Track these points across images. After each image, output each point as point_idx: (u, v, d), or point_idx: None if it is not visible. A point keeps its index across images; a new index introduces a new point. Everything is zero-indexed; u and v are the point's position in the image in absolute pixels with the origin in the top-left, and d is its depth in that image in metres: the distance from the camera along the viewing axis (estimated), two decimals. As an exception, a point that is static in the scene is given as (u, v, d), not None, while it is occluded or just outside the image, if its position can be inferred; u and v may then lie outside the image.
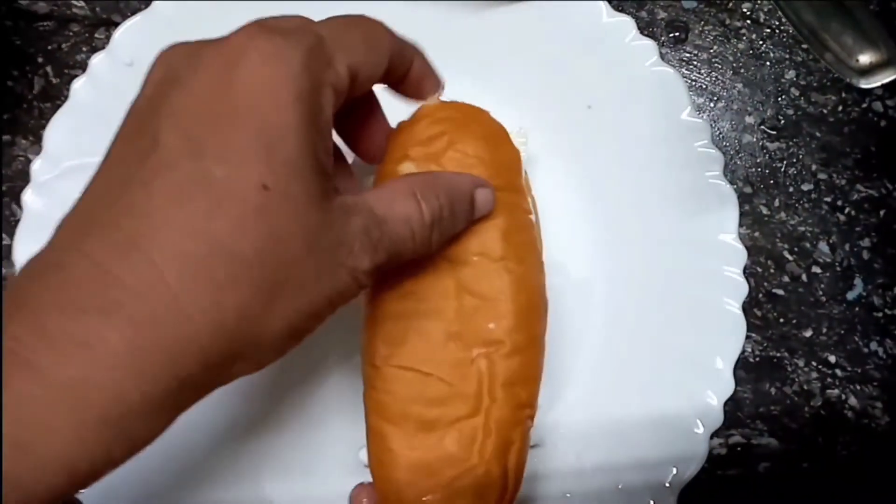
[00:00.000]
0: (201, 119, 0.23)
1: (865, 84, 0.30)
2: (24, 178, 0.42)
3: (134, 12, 0.44)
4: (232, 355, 0.23)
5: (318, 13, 0.44)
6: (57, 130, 0.43)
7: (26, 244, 0.42)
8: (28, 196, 0.42)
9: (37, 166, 0.43)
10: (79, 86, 0.43)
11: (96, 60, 0.43)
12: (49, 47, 0.48)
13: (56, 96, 0.47)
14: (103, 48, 0.44)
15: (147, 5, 0.44)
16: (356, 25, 0.29)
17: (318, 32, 0.27)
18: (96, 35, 0.48)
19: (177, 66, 0.25)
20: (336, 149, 0.33)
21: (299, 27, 0.26)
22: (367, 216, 0.27)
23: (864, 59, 0.30)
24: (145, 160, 0.23)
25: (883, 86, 0.48)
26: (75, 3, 0.49)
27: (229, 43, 0.25)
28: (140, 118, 0.25)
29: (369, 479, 0.34)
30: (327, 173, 0.26)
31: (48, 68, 0.48)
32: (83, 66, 0.44)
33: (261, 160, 0.23)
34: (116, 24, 0.44)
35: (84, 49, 0.48)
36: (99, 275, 0.21)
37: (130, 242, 0.21)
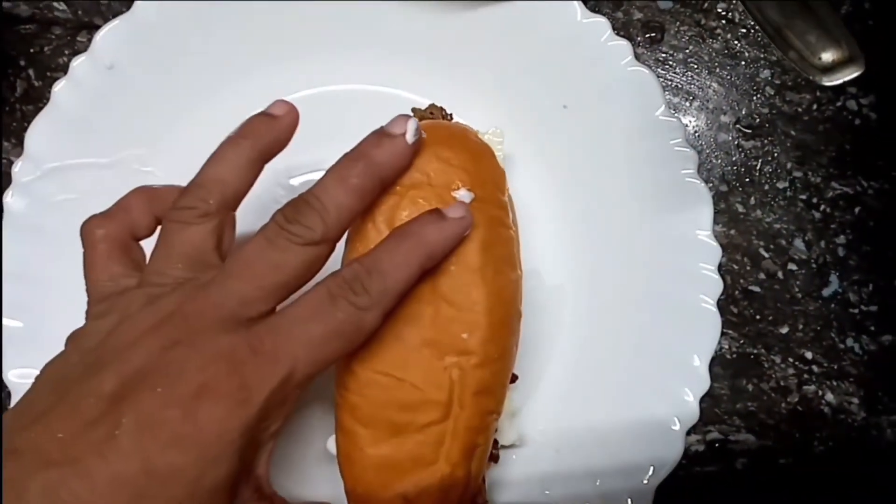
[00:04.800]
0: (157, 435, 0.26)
1: (828, 81, 0.30)
2: (5, 181, 0.43)
3: (115, 15, 0.44)
4: None
5: (303, 13, 0.45)
6: (38, 133, 0.43)
7: (6, 246, 0.42)
8: (9, 198, 0.43)
9: (18, 168, 0.43)
10: (59, 88, 0.44)
11: (77, 63, 0.44)
12: (31, 50, 0.49)
13: (38, 99, 0.48)
14: (85, 51, 0.44)
15: (128, 8, 0.44)
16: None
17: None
18: (78, 38, 0.49)
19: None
20: None
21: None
22: None
23: (827, 56, 0.31)
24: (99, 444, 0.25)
25: (857, 85, 0.49)
26: (57, 6, 0.49)
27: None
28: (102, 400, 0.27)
29: (336, 468, 0.34)
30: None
31: (30, 71, 0.48)
32: (65, 69, 0.44)
33: None
34: (98, 27, 0.44)
35: (66, 52, 0.49)
36: None
37: None
